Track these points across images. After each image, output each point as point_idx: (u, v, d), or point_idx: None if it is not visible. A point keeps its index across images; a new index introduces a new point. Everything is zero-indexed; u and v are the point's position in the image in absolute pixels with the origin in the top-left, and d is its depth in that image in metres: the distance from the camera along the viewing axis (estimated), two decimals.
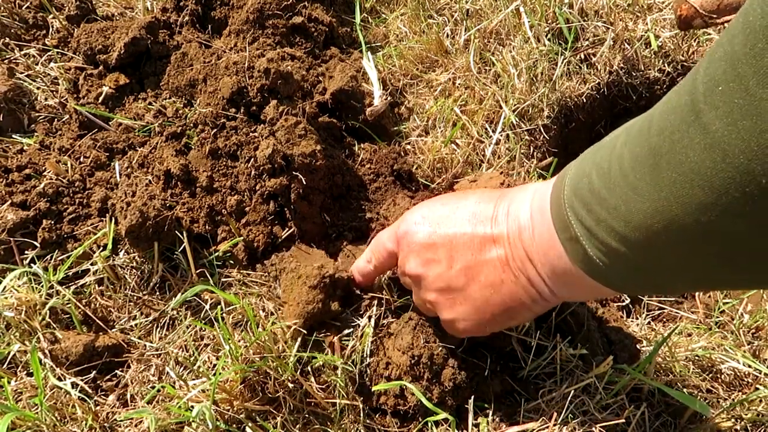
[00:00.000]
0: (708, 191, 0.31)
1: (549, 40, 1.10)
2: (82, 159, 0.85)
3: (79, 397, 0.64)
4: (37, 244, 0.75)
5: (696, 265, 0.37)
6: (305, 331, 0.66)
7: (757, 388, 0.71)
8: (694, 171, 0.32)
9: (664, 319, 0.87)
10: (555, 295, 0.50)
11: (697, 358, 0.73)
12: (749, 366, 0.72)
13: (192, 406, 0.61)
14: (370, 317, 0.67)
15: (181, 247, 0.73)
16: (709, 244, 0.34)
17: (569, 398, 0.63)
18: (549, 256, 0.47)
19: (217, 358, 0.67)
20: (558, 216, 0.45)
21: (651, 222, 0.36)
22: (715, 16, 0.90)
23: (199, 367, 0.66)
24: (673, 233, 0.35)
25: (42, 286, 0.71)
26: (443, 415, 0.60)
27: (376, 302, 0.68)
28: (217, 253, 0.76)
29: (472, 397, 0.63)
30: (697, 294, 0.89)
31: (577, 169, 0.44)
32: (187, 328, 0.70)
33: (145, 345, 0.70)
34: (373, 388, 0.64)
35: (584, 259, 0.43)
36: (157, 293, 0.74)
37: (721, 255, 0.34)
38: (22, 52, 1.00)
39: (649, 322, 0.83)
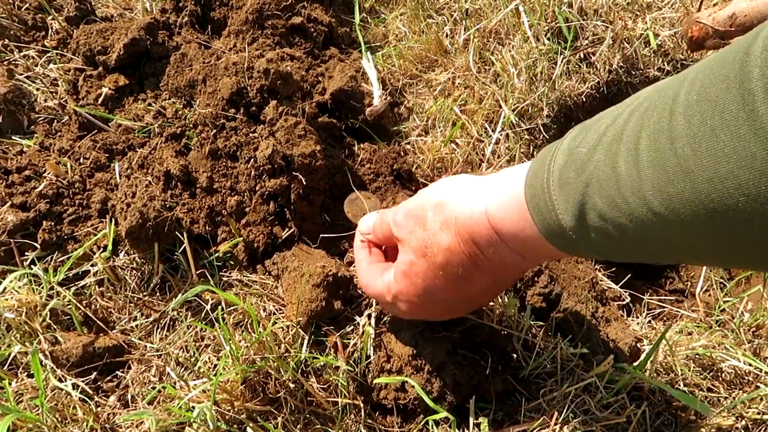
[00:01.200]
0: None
1: (548, 39, 1.10)
2: (81, 160, 0.85)
3: (79, 398, 0.64)
4: (38, 246, 0.75)
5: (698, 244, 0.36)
6: (309, 330, 0.66)
7: (757, 387, 0.71)
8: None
9: (665, 318, 0.87)
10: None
11: (697, 356, 0.73)
12: (750, 364, 0.72)
13: (193, 407, 0.61)
14: (369, 315, 0.67)
15: (182, 248, 0.73)
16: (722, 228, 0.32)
17: (570, 397, 0.63)
18: (530, 248, 0.48)
19: (218, 359, 0.67)
20: (540, 215, 0.44)
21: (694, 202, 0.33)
22: (727, 36, 0.89)
23: (199, 367, 0.66)
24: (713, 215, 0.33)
25: (42, 288, 0.71)
26: (444, 414, 0.60)
27: (374, 300, 0.68)
28: (217, 254, 0.76)
29: (473, 396, 0.63)
30: (697, 293, 0.89)
31: (581, 164, 0.41)
32: (188, 328, 0.71)
33: (145, 346, 0.70)
34: (375, 381, 0.65)
35: (564, 237, 0.43)
36: (158, 294, 0.74)
37: (729, 240, 0.33)
38: (22, 54, 1.00)
39: (649, 321, 0.83)
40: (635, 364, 0.67)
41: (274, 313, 0.71)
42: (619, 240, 0.39)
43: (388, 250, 0.65)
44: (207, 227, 0.77)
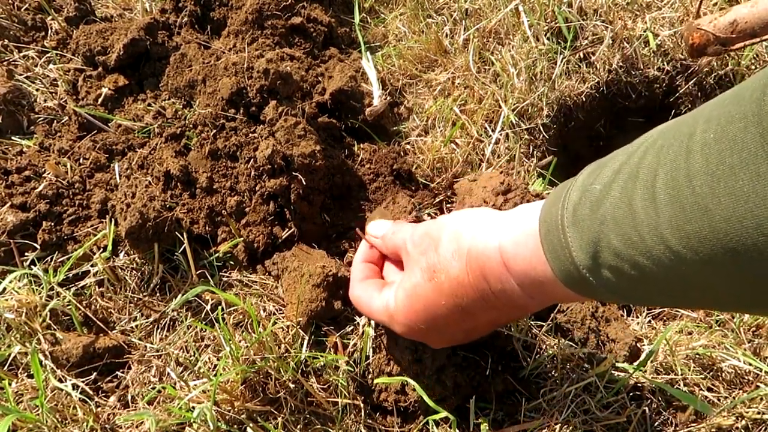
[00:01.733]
0: None
1: (548, 39, 1.10)
2: (81, 160, 0.85)
3: (79, 398, 0.64)
4: (38, 246, 0.75)
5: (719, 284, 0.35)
6: (309, 330, 0.66)
7: (757, 386, 0.71)
8: None
9: (665, 318, 0.87)
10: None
11: (697, 356, 0.73)
12: (750, 364, 0.72)
13: (193, 407, 0.61)
14: None
15: (182, 248, 0.73)
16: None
17: (570, 397, 0.63)
18: (543, 289, 0.47)
19: (218, 359, 0.67)
20: (556, 257, 0.44)
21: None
22: (729, 42, 0.88)
23: (199, 367, 0.66)
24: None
25: (42, 288, 0.71)
26: (444, 413, 0.60)
27: None
28: (217, 254, 0.76)
29: (474, 396, 0.63)
30: None
31: (593, 205, 0.41)
32: (188, 328, 0.71)
33: (145, 346, 0.70)
34: (375, 381, 0.65)
35: (580, 281, 0.43)
36: (158, 294, 0.74)
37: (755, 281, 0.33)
38: (21, 54, 1.00)
39: (649, 321, 0.83)
40: (635, 364, 0.67)
41: (274, 313, 0.71)
42: (635, 279, 0.39)
43: (388, 271, 0.65)
44: (207, 227, 0.77)
